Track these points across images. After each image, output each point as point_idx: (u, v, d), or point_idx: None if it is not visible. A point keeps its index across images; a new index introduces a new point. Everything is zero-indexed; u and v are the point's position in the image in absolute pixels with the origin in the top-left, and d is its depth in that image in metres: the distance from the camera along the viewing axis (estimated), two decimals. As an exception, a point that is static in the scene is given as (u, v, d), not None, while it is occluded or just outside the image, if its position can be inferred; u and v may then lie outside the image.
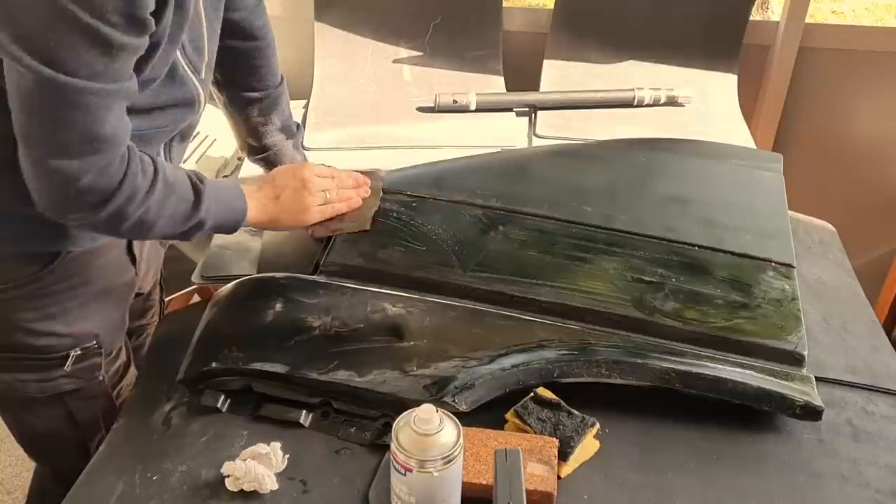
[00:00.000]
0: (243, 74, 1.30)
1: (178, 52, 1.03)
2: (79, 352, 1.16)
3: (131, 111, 0.97)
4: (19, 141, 0.92)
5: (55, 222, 1.04)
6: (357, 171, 1.32)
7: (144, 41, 0.92)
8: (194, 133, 1.24)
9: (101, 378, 1.21)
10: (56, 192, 0.95)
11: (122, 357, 1.27)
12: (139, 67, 0.95)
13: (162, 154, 1.15)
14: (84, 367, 1.18)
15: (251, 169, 1.44)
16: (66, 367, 1.16)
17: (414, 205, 1.31)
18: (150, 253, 1.34)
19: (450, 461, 0.84)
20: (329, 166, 1.29)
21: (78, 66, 0.86)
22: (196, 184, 1.06)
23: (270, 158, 1.38)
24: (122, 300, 1.23)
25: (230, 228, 1.14)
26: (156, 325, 1.44)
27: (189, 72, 1.07)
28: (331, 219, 1.24)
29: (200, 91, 1.10)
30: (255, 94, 1.31)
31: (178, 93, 1.07)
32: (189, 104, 1.09)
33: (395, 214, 1.29)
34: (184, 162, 1.76)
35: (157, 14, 0.91)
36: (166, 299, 1.56)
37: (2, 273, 1.07)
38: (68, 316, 1.13)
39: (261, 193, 1.17)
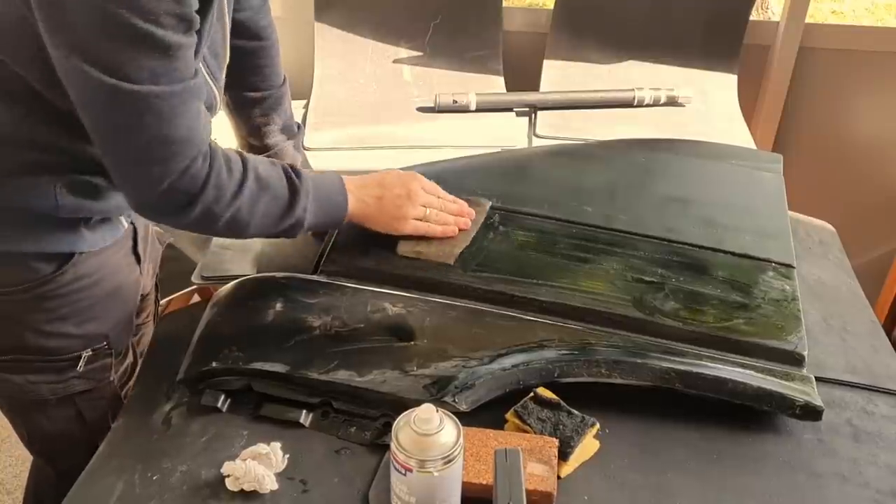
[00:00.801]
0: (248, 74, 1.30)
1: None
2: (90, 353, 1.16)
3: None
4: (98, 149, 0.94)
5: (69, 223, 1.05)
6: (465, 198, 1.28)
7: (195, 37, 0.92)
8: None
9: (111, 378, 1.21)
10: (141, 197, 0.97)
11: (130, 357, 1.27)
12: None
13: None
14: (95, 367, 1.18)
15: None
16: (78, 369, 1.16)
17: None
18: (151, 252, 1.34)
19: (450, 461, 0.84)
20: (436, 185, 1.26)
21: (139, 71, 0.86)
22: (293, 181, 1.06)
23: (271, 158, 1.37)
24: (129, 300, 1.23)
25: (332, 225, 1.15)
26: (151, 325, 1.44)
27: (207, 75, 1.07)
28: (420, 239, 1.21)
29: (217, 94, 1.11)
30: (258, 94, 1.31)
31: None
32: (207, 108, 1.09)
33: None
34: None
35: (201, 11, 0.92)
36: (167, 299, 1.56)
37: (16, 274, 1.07)
38: (79, 317, 1.13)
39: (364, 191, 1.15)
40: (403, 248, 1.21)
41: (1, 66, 0.93)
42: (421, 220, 1.20)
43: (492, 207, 1.31)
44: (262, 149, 1.37)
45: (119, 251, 1.18)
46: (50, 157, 1.01)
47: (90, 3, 0.82)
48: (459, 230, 1.23)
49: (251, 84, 1.31)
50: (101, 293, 1.15)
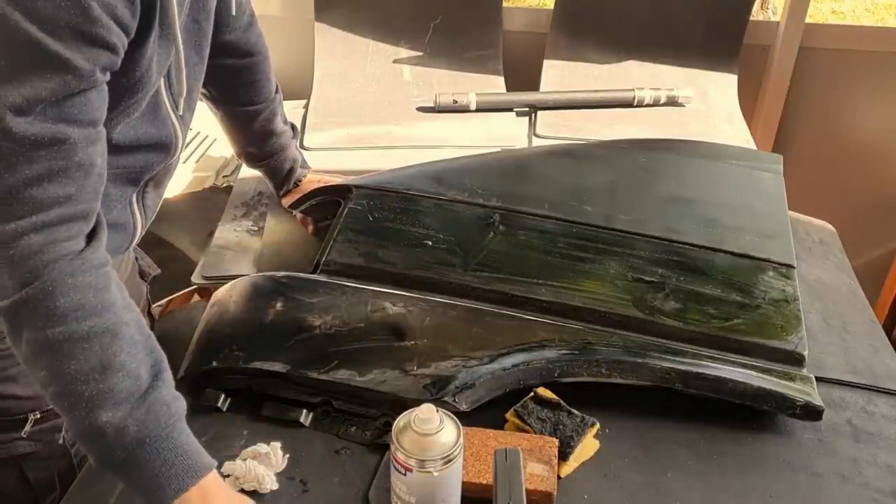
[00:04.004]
0: (243, 90, 1.29)
1: (162, 88, 0.96)
2: (38, 415, 1.09)
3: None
4: None
5: None
6: None
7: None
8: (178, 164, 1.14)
9: (60, 440, 1.13)
10: None
11: None
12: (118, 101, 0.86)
13: (134, 202, 1.05)
14: (43, 428, 1.10)
15: (251, 169, 1.44)
16: (23, 431, 1.08)
17: (414, 204, 1.31)
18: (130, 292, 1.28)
19: (450, 461, 0.84)
20: None
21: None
22: (161, 384, 0.82)
23: (271, 164, 1.38)
24: None
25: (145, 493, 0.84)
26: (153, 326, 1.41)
27: (170, 110, 1.00)
28: None
29: (179, 133, 1.02)
30: (255, 108, 1.31)
31: (155, 132, 0.99)
32: (165, 146, 1.01)
33: (395, 214, 1.29)
34: (183, 163, 1.76)
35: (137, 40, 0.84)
36: (167, 299, 1.55)
37: None
38: (28, 377, 1.05)
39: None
40: None
41: None
42: None
43: (492, 207, 1.31)
44: (261, 156, 1.37)
45: None
46: None
47: None
48: None
49: (247, 99, 1.30)
50: None
